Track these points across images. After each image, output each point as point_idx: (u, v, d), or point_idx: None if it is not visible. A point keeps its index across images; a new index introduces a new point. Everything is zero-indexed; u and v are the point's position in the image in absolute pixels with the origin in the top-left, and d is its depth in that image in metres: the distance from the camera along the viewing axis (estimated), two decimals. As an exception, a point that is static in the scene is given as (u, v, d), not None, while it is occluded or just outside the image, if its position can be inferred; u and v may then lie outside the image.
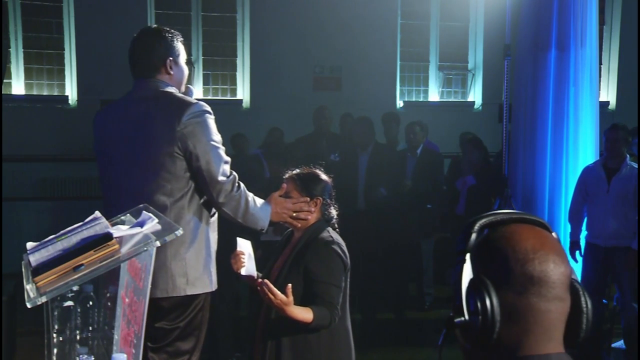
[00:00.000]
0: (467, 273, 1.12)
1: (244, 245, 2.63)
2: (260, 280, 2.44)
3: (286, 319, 2.42)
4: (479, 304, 1.07)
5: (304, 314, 2.41)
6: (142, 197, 2.20)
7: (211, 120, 2.53)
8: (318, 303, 2.46)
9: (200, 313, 2.58)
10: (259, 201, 2.63)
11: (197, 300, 2.55)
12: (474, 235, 1.13)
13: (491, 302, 1.06)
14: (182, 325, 2.53)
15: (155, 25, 2.73)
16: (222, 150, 2.54)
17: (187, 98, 2.57)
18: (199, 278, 2.53)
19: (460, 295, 1.11)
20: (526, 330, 1.08)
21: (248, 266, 2.61)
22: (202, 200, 2.56)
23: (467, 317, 1.10)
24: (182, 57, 2.67)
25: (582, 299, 1.10)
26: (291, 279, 2.46)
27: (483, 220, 1.15)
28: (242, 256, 2.60)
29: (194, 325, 2.56)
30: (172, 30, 2.66)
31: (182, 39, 2.68)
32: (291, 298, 2.36)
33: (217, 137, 2.54)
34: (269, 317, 2.56)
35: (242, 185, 2.58)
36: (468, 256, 1.13)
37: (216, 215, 2.63)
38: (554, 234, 1.16)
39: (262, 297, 2.40)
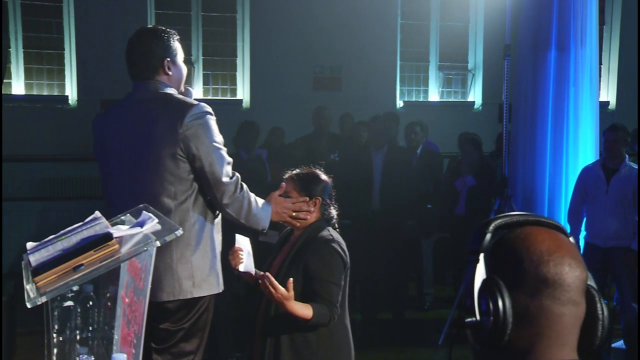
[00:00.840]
0: (480, 273, 1.10)
1: (243, 242, 2.63)
2: (261, 273, 2.44)
3: (285, 316, 2.42)
4: (491, 305, 1.05)
5: (304, 310, 2.41)
6: (146, 200, 2.19)
7: (213, 121, 2.53)
8: (318, 301, 2.46)
9: (204, 314, 2.58)
10: (260, 201, 2.63)
11: (202, 301, 2.55)
12: (488, 236, 1.11)
13: (503, 303, 1.04)
14: (187, 327, 2.53)
15: (151, 25, 2.71)
16: (224, 151, 2.54)
17: (188, 99, 2.57)
18: (205, 280, 2.53)
19: (472, 295, 1.09)
20: (539, 333, 1.05)
21: (246, 263, 2.61)
22: (206, 202, 2.56)
23: (478, 317, 1.08)
24: (180, 56, 2.66)
25: (599, 305, 1.08)
26: (290, 277, 2.45)
27: (498, 221, 1.13)
28: (241, 252, 2.60)
29: (198, 326, 2.56)
30: (168, 30, 2.64)
31: (178, 37, 2.66)
32: (292, 292, 2.36)
33: (219, 138, 2.53)
34: (268, 314, 2.56)
35: (244, 186, 2.58)
36: (482, 256, 1.11)
37: (220, 215, 2.63)
38: (571, 238, 1.14)
39: (263, 291, 2.39)
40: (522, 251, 1.08)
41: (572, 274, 1.06)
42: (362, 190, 5.52)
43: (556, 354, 1.05)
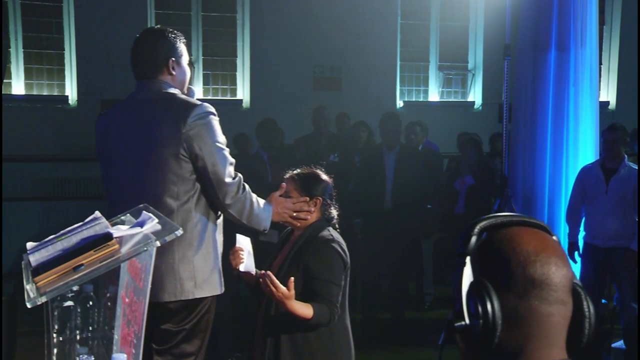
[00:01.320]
0: (468, 276, 1.10)
1: (244, 242, 2.63)
2: (263, 272, 2.44)
3: (286, 316, 2.42)
4: (479, 308, 1.05)
5: (304, 310, 2.41)
6: (149, 200, 2.19)
7: (216, 121, 2.53)
8: (318, 301, 2.46)
9: (206, 315, 2.58)
10: (261, 202, 2.63)
11: (204, 302, 2.55)
12: (474, 238, 1.11)
13: (492, 305, 1.04)
14: (189, 328, 2.53)
15: (158, 26, 2.73)
16: (227, 152, 2.54)
17: (191, 99, 2.57)
18: (206, 281, 2.53)
19: (460, 298, 1.09)
20: (528, 334, 1.05)
21: (247, 262, 2.61)
22: (208, 202, 2.55)
23: (467, 321, 1.07)
24: (185, 59, 2.66)
25: (585, 303, 1.08)
26: (290, 276, 2.45)
27: (483, 223, 1.12)
28: (241, 252, 2.61)
29: (200, 327, 2.56)
30: (175, 31, 2.65)
31: (184, 40, 2.67)
32: (292, 291, 2.36)
33: (222, 138, 2.53)
34: (268, 314, 2.56)
35: (247, 186, 2.58)
36: (468, 259, 1.11)
37: (222, 216, 2.63)
38: (554, 237, 1.14)
39: (264, 289, 2.39)
40: (508, 252, 1.07)
41: (559, 274, 1.06)
42: (375, 189, 5.52)
43: (546, 354, 1.05)
